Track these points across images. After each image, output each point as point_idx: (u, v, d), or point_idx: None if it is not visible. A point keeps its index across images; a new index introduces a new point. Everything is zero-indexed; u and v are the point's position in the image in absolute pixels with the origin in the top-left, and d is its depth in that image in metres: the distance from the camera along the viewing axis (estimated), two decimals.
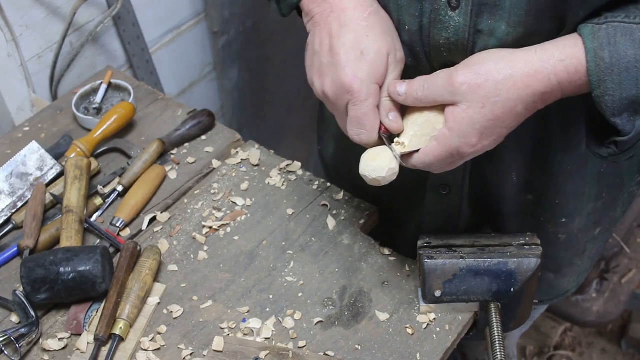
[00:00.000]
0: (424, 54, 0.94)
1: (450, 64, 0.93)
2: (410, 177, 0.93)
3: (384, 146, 0.92)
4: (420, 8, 0.90)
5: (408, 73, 0.99)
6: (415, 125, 0.91)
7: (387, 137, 0.92)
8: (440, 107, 0.89)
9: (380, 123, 0.92)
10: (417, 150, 0.91)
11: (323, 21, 0.92)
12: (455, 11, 0.88)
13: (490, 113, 0.85)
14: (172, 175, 1.29)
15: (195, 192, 1.26)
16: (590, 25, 0.82)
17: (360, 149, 0.94)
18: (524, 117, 0.87)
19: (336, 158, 1.33)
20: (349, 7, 0.91)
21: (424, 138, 0.90)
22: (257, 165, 1.29)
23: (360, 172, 0.92)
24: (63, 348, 1.05)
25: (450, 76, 0.86)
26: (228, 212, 1.22)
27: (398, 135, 0.92)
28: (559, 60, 0.82)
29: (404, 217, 1.24)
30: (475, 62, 0.86)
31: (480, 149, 0.88)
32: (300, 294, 1.10)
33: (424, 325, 1.06)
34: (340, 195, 1.23)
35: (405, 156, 0.92)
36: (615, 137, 0.85)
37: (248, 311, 1.08)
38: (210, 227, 1.20)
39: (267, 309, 1.09)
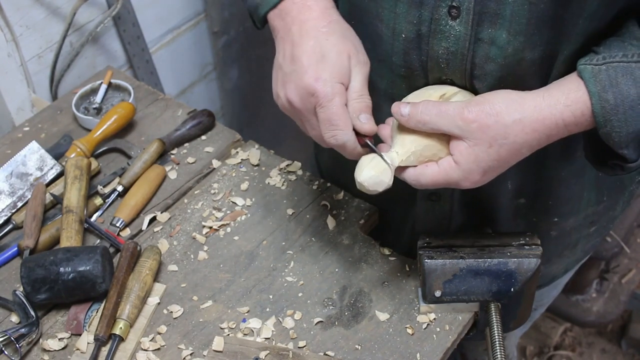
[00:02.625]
0: (420, 62, 0.94)
1: (444, 79, 0.94)
2: (401, 185, 0.93)
3: (374, 155, 0.90)
4: (419, 16, 0.90)
5: (400, 84, 0.98)
6: (418, 144, 0.90)
7: (373, 143, 0.91)
8: (443, 136, 0.89)
9: (358, 134, 0.91)
10: (411, 166, 0.91)
11: (286, 34, 0.93)
12: (456, 20, 0.88)
13: (496, 154, 0.86)
14: (172, 175, 1.29)
15: (195, 192, 1.26)
16: (590, 67, 0.83)
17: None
18: (526, 156, 0.89)
19: (331, 164, 1.33)
20: (310, 18, 0.92)
21: (421, 159, 0.90)
22: (257, 165, 1.29)
23: (357, 179, 0.90)
24: (63, 348, 1.05)
25: (462, 111, 0.86)
26: (228, 212, 1.22)
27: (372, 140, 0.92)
28: (565, 105, 0.84)
29: (397, 220, 1.24)
30: (485, 101, 0.86)
31: (478, 184, 0.90)
32: (300, 294, 1.10)
33: (424, 325, 1.06)
34: (340, 195, 1.23)
35: (398, 168, 0.91)
36: (620, 162, 0.87)
37: (248, 311, 1.08)
38: (210, 227, 1.20)
39: (267, 309, 1.09)
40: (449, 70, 0.93)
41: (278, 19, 0.95)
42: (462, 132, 0.86)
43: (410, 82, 0.97)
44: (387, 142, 0.95)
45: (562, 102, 0.84)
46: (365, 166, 0.90)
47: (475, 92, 0.94)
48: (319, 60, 0.89)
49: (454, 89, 0.94)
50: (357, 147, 0.91)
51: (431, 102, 0.89)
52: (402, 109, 0.89)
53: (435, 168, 0.89)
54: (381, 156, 0.90)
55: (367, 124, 0.91)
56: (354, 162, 0.93)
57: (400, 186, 0.93)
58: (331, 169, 1.34)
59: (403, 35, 0.93)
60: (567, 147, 1.03)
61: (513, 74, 0.89)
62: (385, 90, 1.01)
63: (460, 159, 0.87)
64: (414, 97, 0.94)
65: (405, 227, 1.23)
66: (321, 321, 1.07)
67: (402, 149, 0.90)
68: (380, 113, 1.00)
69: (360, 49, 0.93)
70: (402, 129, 0.92)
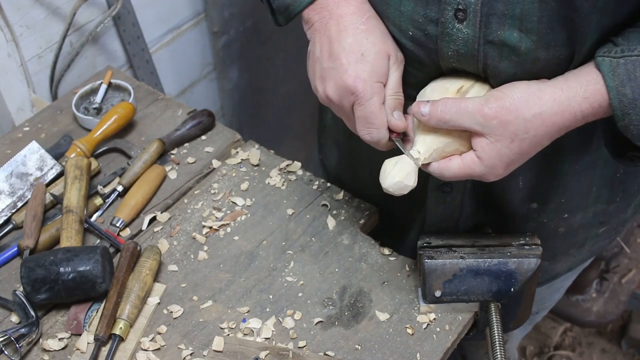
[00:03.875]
0: (430, 59, 0.94)
1: (459, 69, 0.94)
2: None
3: (406, 161, 0.92)
4: (424, 15, 0.90)
5: (417, 76, 0.98)
6: (440, 142, 0.91)
7: (400, 139, 0.93)
8: (463, 132, 0.90)
9: (389, 130, 0.92)
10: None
11: (322, 28, 0.93)
12: (463, 23, 0.87)
13: (518, 148, 0.87)
14: (172, 175, 1.29)
15: (195, 192, 1.26)
16: (608, 60, 0.83)
17: (366, 153, 0.94)
18: (546, 145, 0.90)
19: (339, 165, 1.33)
20: (347, 13, 0.92)
21: (444, 155, 0.92)
22: (257, 165, 1.29)
23: (382, 184, 0.92)
24: (63, 348, 1.05)
25: (482, 107, 0.86)
26: (228, 212, 1.22)
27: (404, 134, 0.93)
28: (584, 97, 0.84)
29: (406, 220, 1.24)
30: (505, 96, 0.86)
31: (502, 176, 0.91)
32: (300, 294, 1.10)
33: (424, 325, 1.06)
34: (340, 195, 1.23)
35: (421, 165, 0.93)
36: (639, 154, 0.88)
37: (248, 311, 1.08)
38: (210, 227, 1.20)
39: (267, 309, 1.09)
40: (460, 67, 0.93)
41: (313, 13, 0.95)
42: (483, 129, 0.87)
43: (424, 73, 0.98)
44: (409, 134, 0.96)
45: (581, 95, 0.84)
46: (390, 172, 0.91)
47: (490, 86, 0.94)
48: (358, 60, 0.90)
49: (470, 80, 0.94)
50: (390, 143, 0.93)
51: (450, 99, 0.89)
52: (422, 108, 0.90)
53: (458, 162, 0.91)
54: (409, 155, 0.91)
55: (399, 120, 0.93)
56: (363, 168, 0.93)
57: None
58: (339, 173, 1.33)
59: (410, 34, 0.93)
60: (583, 139, 1.03)
61: (528, 72, 0.89)
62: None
63: (483, 155, 0.88)
64: (431, 90, 0.95)
65: (412, 227, 1.22)
66: (321, 321, 1.07)
67: (424, 147, 0.92)
68: None
69: (396, 47, 0.94)
70: (423, 126, 0.93)
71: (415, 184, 0.92)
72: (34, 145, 1.26)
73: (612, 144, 0.94)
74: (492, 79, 0.92)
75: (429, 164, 0.93)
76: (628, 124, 0.83)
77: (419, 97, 0.96)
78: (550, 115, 0.85)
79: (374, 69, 0.90)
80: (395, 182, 0.91)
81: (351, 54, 0.90)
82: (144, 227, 1.21)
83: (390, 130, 0.93)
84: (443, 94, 0.92)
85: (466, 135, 0.90)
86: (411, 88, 0.98)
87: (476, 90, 0.93)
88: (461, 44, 0.89)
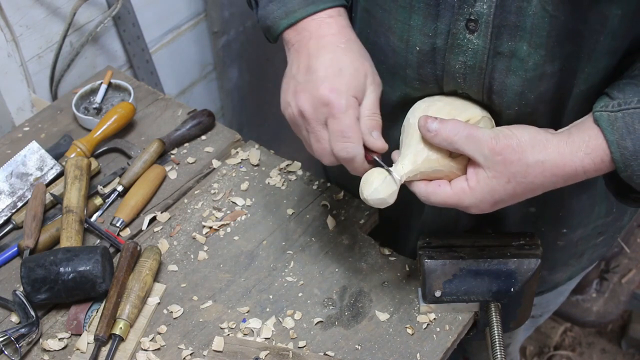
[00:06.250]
0: (434, 76, 0.93)
1: (460, 92, 0.93)
2: (410, 191, 0.93)
3: (384, 174, 0.90)
4: (434, 28, 0.89)
5: (413, 96, 0.98)
6: (429, 166, 0.90)
7: (381, 159, 0.91)
8: (454, 162, 0.89)
9: (367, 150, 0.91)
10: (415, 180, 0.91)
11: (302, 47, 0.93)
12: (474, 34, 0.87)
13: (512, 189, 0.87)
14: (172, 175, 1.29)
15: (195, 192, 1.26)
16: (606, 115, 0.83)
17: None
18: (537, 195, 0.89)
19: (340, 171, 1.32)
20: (328, 34, 0.92)
21: (425, 177, 0.91)
22: (257, 165, 1.29)
23: (363, 193, 0.90)
24: (63, 348, 1.05)
25: (491, 141, 0.86)
26: (228, 212, 1.22)
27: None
28: (586, 153, 0.84)
29: (405, 227, 1.23)
30: (513, 136, 0.86)
31: (485, 212, 0.90)
32: (300, 294, 1.10)
33: (424, 325, 1.06)
34: (340, 195, 1.24)
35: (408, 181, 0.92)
36: None
37: (248, 311, 1.08)
38: (210, 227, 1.20)
39: (267, 309, 1.09)
40: (465, 85, 0.92)
41: (294, 33, 0.94)
42: (485, 162, 0.86)
43: (424, 94, 0.97)
44: (393, 158, 0.94)
45: (583, 150, 0.84)
46: (376, 186, 0.90)
47: (494, 107, 0.93)
48: (335, 74, 0.89)
49: (478, 114, 0.93)
50: (365, 162, 0.91)
51: (461, 123, 0.88)
52: (429, 123, 0.88)
53: (448, 191, 0.89)
54: (389, 173, 0.90)
55: (379, 140, 0.91)
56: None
57: (406, 193, 0.92)
58: (340, 176, 1.33)
59: (417, 48, 0.92)
60: None
61: (534, 89, 0.89)
62: (397, 102, 1.00)
63: (476, 187, 0.87)
64: (436, 112, 0.93)
65: (413, 234, 1.22)
66: (321, 321, 1.07)
67: (411, 166, 0.90)
68: (393, 124, 0.99)
69: (374, 71, 0.93)
70: (414, 143, 0.91)
71: (394, 200, 0.90)
72: (34, 145, 1.26)
73: (614, 186, 0.93)
74: (498, 95, 0.91)
75: (411, 182, 0.91)
76: (631, 174, 0.83)
77: (415, 110, 0.95)
78: (552, 166, 0.85)
79: (350, 83, 0.89)
80: (379, 197, 0.89)
81: (329, 68, 0.89)
82: (144, 227, 1.21)
83: (371, 152, 0.91)
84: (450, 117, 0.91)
85: (457, 167, 0.90)
86: (405, 109, 0.97)
87: (482, 125, 0.91)
88: (470, 56, 0.88)
